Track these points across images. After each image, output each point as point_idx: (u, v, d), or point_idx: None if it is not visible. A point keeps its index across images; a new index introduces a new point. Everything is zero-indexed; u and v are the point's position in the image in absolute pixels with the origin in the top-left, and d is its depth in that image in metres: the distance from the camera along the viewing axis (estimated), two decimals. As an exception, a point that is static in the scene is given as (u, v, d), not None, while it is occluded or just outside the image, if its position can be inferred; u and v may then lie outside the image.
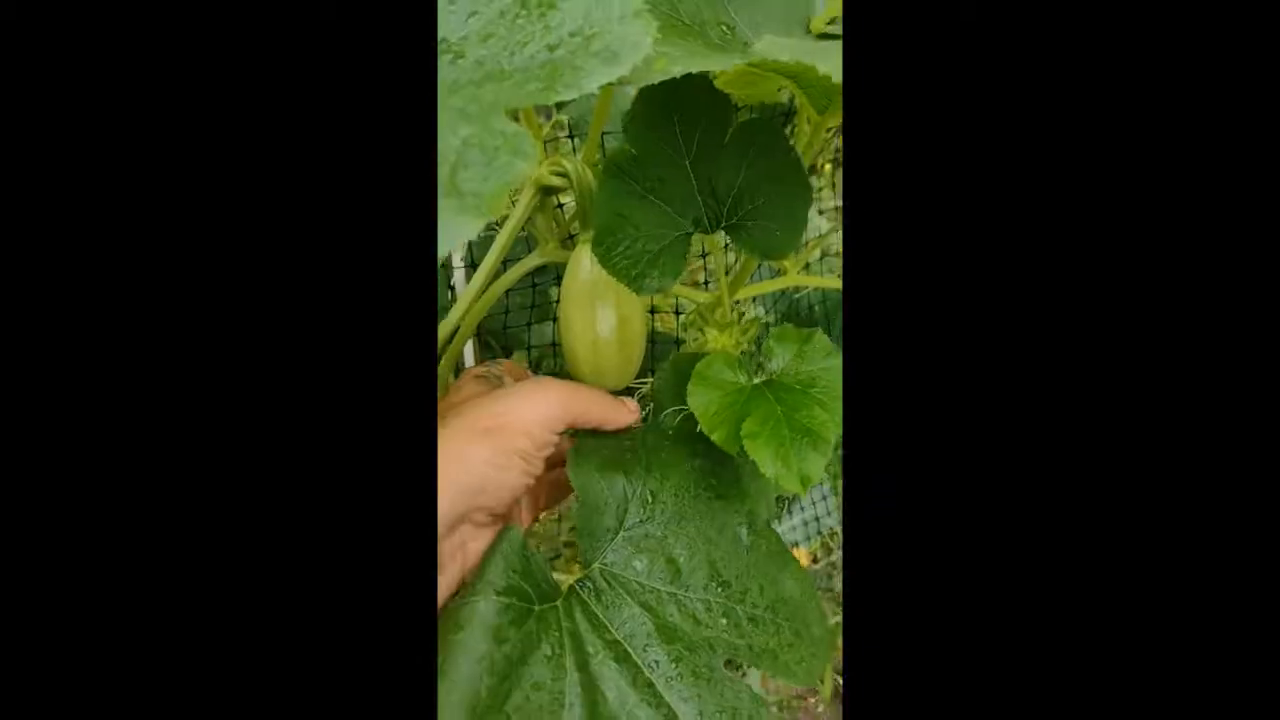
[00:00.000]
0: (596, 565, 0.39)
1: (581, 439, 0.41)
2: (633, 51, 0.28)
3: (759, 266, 0.70)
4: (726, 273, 0.60)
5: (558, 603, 0.36)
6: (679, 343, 0.65)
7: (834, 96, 0.41)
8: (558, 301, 0.54)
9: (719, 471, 0.44)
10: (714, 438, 0.40)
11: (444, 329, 0.54)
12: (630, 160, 0.44)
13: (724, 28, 0.40)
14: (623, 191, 0.44)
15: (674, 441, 0.44)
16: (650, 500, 0.42)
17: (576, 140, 0.63)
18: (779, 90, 0.45)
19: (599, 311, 0.49)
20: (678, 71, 0.32)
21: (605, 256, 0.44)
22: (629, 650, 0.35)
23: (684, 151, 0.44)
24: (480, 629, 0.31)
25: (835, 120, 0.43)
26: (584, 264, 0.50)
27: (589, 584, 0.38)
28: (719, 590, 0.40)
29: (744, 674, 0.39)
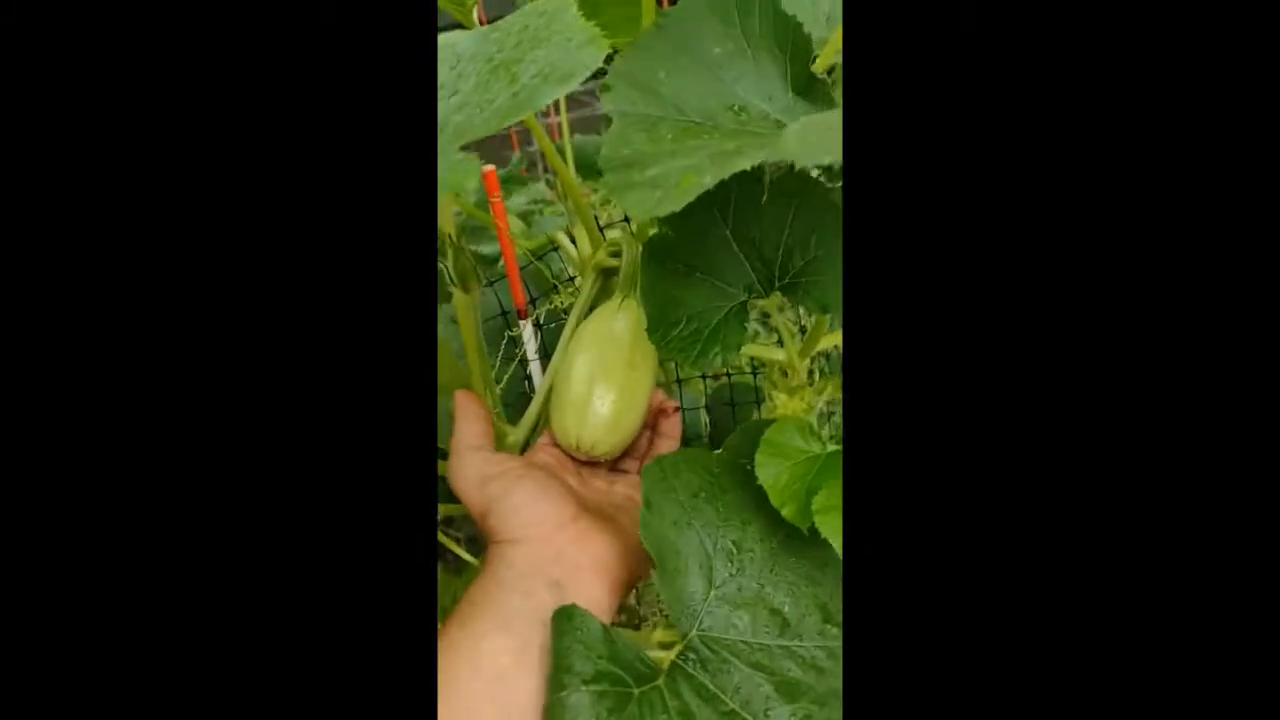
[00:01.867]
0: (695, 633, 0.35)
1: (649, 496, 0.38)
2: (584, 70, 0.30)
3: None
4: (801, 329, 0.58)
5: (659, 682, 0.33)
6: (759, 401, 0.63)
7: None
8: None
9: None
10: (784, 513, 0.38)
11: (529, 417, 0.56)
12: (668, 242, 0.44)
13: (734, 110, 0.39)
14: (667, 274, 0.44)
15: (747, 481, 0.40)
16: (735, 551, 0.39)
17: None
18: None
19: (598, 384, 0.46)
20: (709, 183, 0.30)
21: (662, 342, 0.43)
22: (748, 718, 0.32)
23: (722, 221, 0.43)
24: None
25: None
26: (591, 329, 0.49)
27: (690, 655, 0.35)
28: (836, 632, 0.36)
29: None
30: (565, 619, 0.33)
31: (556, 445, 0.49)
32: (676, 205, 0.31)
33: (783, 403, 0.43)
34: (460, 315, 0.54)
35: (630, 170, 0.35)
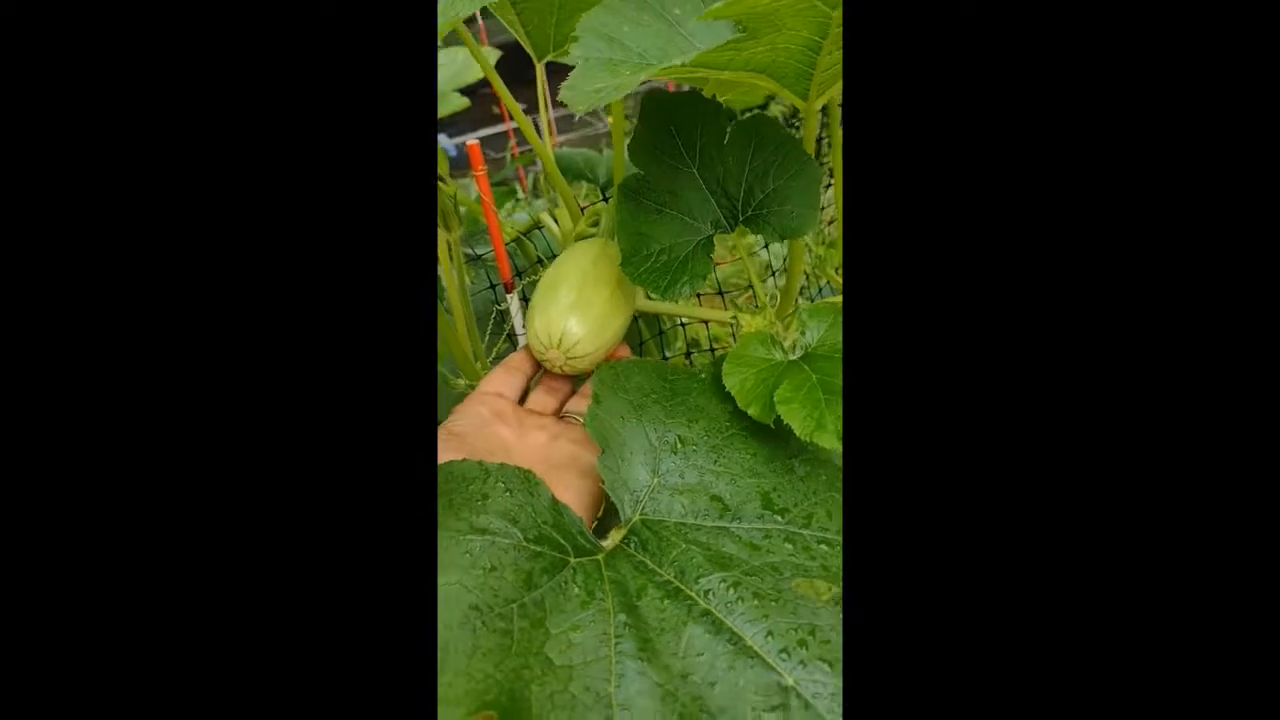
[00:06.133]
0: (637, 517, 0.37)
1: (598, 392, 0.40)
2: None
3: (818, 290, 0.70)
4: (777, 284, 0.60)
5: (599, 557, 0.34)
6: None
7: (809, 79, 0.42)
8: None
9: None
10: (750, 412, 0.39)
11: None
12: (641, 182, 0.47)
13: (682, 62, 0.43)
14: (639, 211, 0.47)
15: (700, 388, 0.43)
16: (680, 445, 0.40)
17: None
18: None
19: (589, 289, 0.47)
20: (644, 77, 0.37)
21: (634, 274, 0.46)
22: (680, 585, 0.32)
23: (689, 162, 0.47)
24: (510, 573, 0.30)
25: (822, 101, 0.44)
26: (579, 251, 0.51)
27: (633, 537, 0.36)
28: (778, 518, 0.37)
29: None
30: (523, 479, 0.33)
31: (500, 395, 0.47)
32: (615, 96, 0.36)
33: (747, 322, 0.44)
34: (448, 286, 0.57)
35: (584, 89, 0.39)
